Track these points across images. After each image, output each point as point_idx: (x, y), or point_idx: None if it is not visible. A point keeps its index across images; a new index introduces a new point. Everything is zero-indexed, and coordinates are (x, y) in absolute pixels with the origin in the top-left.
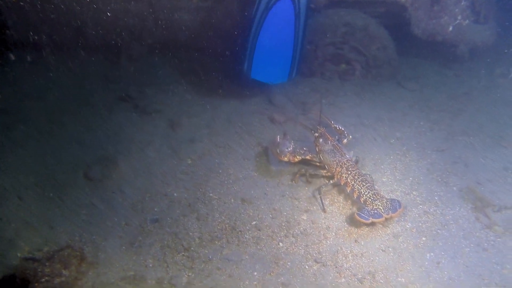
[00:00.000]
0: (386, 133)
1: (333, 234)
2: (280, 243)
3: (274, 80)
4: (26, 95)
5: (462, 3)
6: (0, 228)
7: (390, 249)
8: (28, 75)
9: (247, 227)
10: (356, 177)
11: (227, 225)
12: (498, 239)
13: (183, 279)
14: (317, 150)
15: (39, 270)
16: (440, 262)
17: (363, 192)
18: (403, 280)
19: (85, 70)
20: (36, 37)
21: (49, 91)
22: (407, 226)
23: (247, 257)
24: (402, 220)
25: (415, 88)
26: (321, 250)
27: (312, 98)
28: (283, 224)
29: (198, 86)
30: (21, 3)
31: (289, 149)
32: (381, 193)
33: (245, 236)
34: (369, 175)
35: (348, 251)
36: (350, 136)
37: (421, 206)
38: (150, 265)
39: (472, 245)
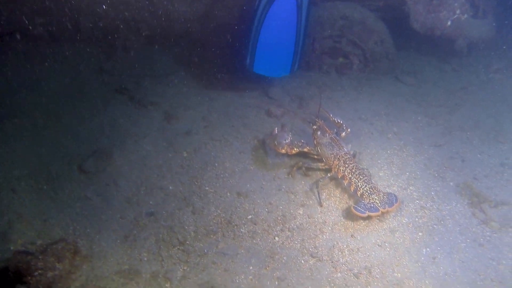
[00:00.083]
0: (383, 127)
1: (329, 228)
2: (276, 238)
3: (276, 74)
4: (20, 86)
5: None
6: None
7: (386, 244)
8: (22, 66)
9: (243, 221)
10: (353, 170)
11: (222, 219)
12: (494, 234)
13: (178, 273)
14: (315, 142)
15: (32, 263)
16: (436, 258)
17: (360, 186)
18: (399, 275)
19: (80, 61)
20: (30, 27)
21: (43, 83)
22: (404, 221)
23: (242, 251)
24: (399, 215)
25: (413, 83)
26: (317, 244)
27: (309, 92)
28: (279, 218)
29: (195, 78)
30: None
31: (287, 141)
32: (378, 187)
33: (241, 230)
34: (366, 169)
35: (344, 246)
36: (349, 130)
37: (417, 201)
38: (145, 259)
39: (468, 240)
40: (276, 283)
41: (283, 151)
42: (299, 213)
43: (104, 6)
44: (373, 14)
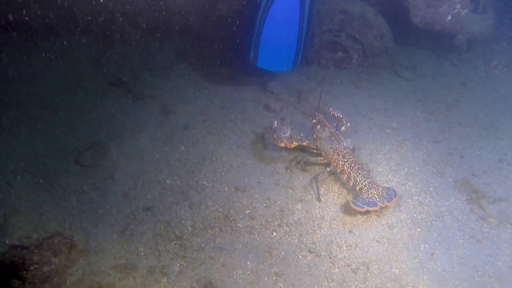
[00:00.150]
0: (382, 123)
1: (328, 224)
2: (274, 233)
3: (279, 68)
4: (16, 79)
5: None
6: None
7: (384, 240)
8: (18, 58)
9: (241, 216)
10: (352, 165)
11: (220, 214)
12: (493, 231)
13: (175, 268)
14: (314, 136)
15: (27, 257)
16: (434, 254)
17: (359, 180)
18: (397, 271)
19: (76, 53)
20: (26, 18)
21: (39, 75)
22: (402, 217)
23: (240, 246)
24: (397, 210)
25: (412, 78)
26: (315, 240)
27: (308, 86)
28: (277, 213)
29: (193, 72)
30: None
31: (286, 135)
32: (377, 182)
33: (239, 225)
34: (365, 164)
35: (343, 242)
36: (348, 124)
37: (416, 197)
38: (142, 254)
39: (466, 236)
40: (274, 278)
41: (282, 144)
42: (297, 208)
43: None
44: (372, 8)
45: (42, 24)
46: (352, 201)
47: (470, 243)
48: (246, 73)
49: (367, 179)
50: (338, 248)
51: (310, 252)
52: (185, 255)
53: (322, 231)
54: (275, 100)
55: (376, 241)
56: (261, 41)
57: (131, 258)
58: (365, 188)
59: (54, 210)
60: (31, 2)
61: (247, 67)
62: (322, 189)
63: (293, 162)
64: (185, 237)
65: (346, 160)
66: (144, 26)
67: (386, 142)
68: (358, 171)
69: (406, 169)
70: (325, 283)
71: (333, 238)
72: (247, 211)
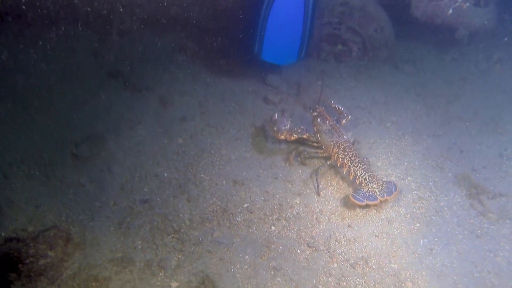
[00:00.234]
0: (382, 116)
1: (326, 218)
2: (272, 227)
3: (283, 61)
4: (12, 69)
5: None
6: None
7: (383, 234)
8: (13, 49)
9: (239, 210)
10: (352, 158)
11: (218, 207)
12: (492, 226)
13: (172, 262)
14: (315, 129)
15: (23, 250)
16: (433, 249)
17: (359, 174)
18: (396, 266)
19: (73, 44)
20: (24, 8)
21: (36, 66)
22: (401, 211)
23: (238, 240)
24: (396, 205)
25: (412, 72)
26: (313, 234)
27: (307, 79)
28: (275, 207)
29: (192, 64)
30: None
31: (286, 127)
32: (377, 176)
33: (237, 218)
34: (366, 158)
35: (341, 236)
36: (349, 117)
37: (415, 192)
38: (139, 247)
39: (465, 232)
40: (272, 272)
41: (282, 137)
42: (296, 202)
43: None
44: (373, 0)
45: (40, 13)
46: (352, 195)
47: (470, 239)
48: (246, 65)
49: (367, 172)
50: (336, 243)
51: (309, 246)
52: (183, 249)
53: (321, 226)
54: (274, 93)
55: (375, 235)
56: (265, 33)
57: (128, 251)
58: (365, 181)
59: (50, 202)
60: None
61: (247, 60)
62: (321, 183)
63: (293, 154)
64: (182, 231)
65: (346, 153)
66: (143, 17)
67: (385, 136)
68: (358, 164)
69: (405, 163)
70: (324, 277)
71: (332, 233)
72: (246, 205)
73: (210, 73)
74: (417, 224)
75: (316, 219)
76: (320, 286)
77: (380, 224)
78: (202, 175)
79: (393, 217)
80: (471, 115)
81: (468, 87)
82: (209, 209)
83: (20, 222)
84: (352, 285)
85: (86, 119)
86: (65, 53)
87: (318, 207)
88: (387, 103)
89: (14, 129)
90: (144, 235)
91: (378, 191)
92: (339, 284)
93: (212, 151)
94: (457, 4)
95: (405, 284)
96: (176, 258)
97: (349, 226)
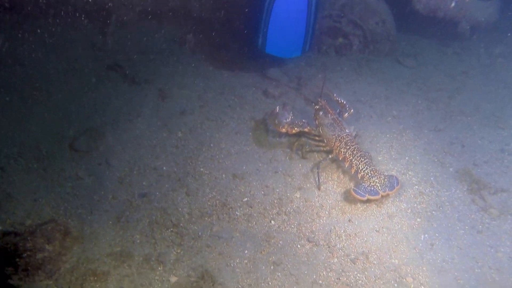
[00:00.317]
0: (383, 110)
1: (327, 213)
2: (272, 221)
3: (288, 54)
4: (9, 61)
5: None
6: None
7: (384, 229)
8: (10, 40)
9: (238, 204)
10: (354, 152)
11: (217, 201)
12: (493, 221)
13: (171, 256)
14: (317, 123)
15: (20, 244)
16: (434, 244)
17: (361, 168)
18: (397, 261)
19: (72, 36)
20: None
21: (33, 58)
22: (402, 206)
23: (237, 234)
24: (397, 200)
25: (413, 65)
26: (314, 229)
27: (308, 72)
28: (275, 201)
29: (191, 57)
30: None
31: (288, 120)
32: (379, 170)
33: (236, 213)
34: (367, 152)
35: (342, 231)
36: (352, 110)
37: (416, 187)
38: (138, 241)
39: (466, 227)
40: (272, 267)
41: (284, 130)
42: (296, 196)
43: None
44: None
45: (38, 6)
46: (353, 189)
47: (471, 234)
48: (246, 59)
49: (369, 166)
50: (337, 238)
51: (309, 241)
52: (182, 243)
53: (321, 220)
54: (275, 86)
55: (375, 230)
56: (269, 26)
57: (126, 245)
58: (367, 176)
59: (48, 195)
60: None
61: (247, 53)
62: (322, 177)
63: (296, 144)
64: (181, 225)
65: (348, 147)
66: (142, 8)
67: (386, 130)
68: (360, 158)
69: (406, 158)
70: (324, 272)
71: (332, 227)
72: (245, 199)
73: (210, 66)
74: (418, 219)
75: (317, 213)
76: (320, 281)
77: (381, 219)
78: (202, 169)
79: (394, 212)
80: (472, 109)
81: (469, 82)
82: (209, 203)
83: (18, 216)
84: (352, 280)
85: (84, 112)
86: (64, 45)
87: (318, 201)
88: (388, 97)
89: (11, 122)
90: (143, 229)
91: (380, 185)
92: (339, 279)
93: (211, 145)
94: None
95: (405, 279)
96: (175, 253)
97: (349, 220)
